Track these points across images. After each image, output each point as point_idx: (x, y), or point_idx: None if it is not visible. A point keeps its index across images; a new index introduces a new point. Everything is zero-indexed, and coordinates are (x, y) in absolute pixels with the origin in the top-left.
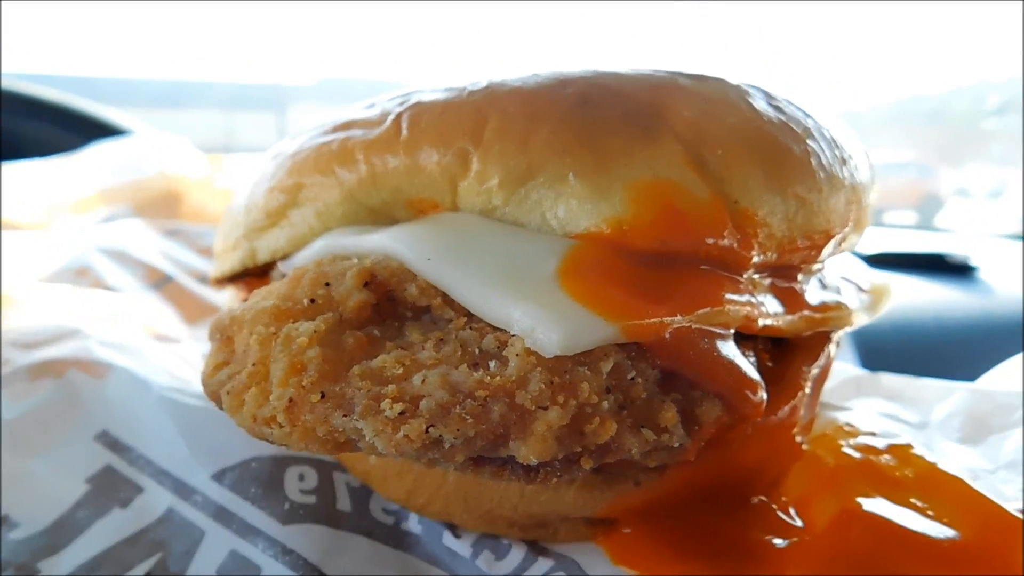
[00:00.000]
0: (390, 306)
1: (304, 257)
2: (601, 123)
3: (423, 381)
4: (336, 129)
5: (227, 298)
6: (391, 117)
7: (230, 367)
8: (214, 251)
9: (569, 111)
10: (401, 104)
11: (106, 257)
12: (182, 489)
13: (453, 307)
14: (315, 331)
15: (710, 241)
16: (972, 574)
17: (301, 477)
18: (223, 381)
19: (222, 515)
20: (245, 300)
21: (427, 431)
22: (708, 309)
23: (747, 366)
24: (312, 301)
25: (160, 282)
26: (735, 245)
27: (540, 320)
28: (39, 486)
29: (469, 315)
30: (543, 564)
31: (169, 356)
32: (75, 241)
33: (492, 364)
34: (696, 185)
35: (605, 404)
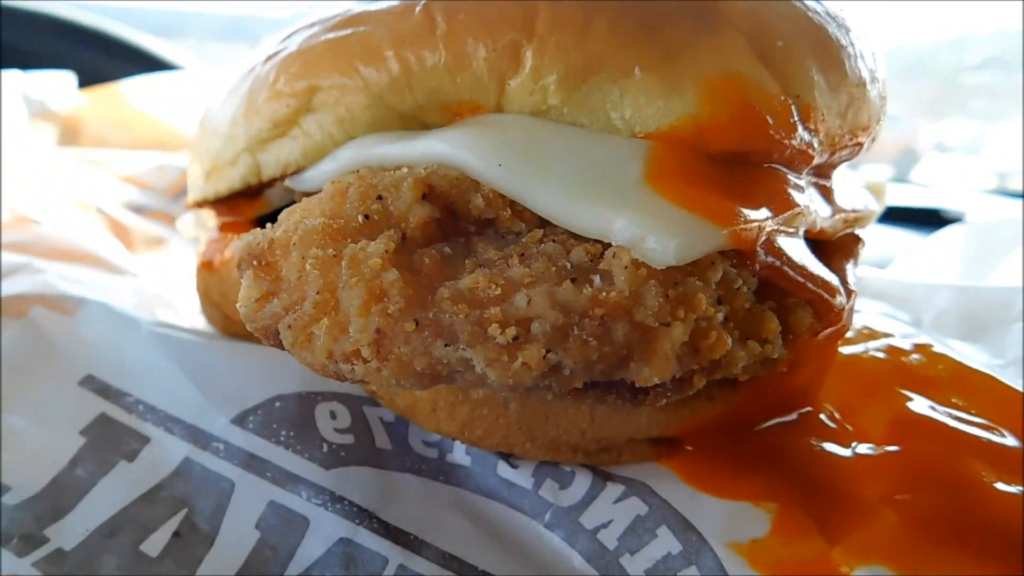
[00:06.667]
0: (451, 221)
1: (327, 171)
2: (659, 12)
3: (528, 302)
4: (347, 23)
5: (185, 224)
6: (418, 8)
7: (281, 298)
8: (192, 172)
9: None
10: None
11: (33, 189)
12: (198, 437)
13: (523, 218)
14: (386, 251)
15: (784, 140)
16: None
17: (333, 415)
18: (278, 314)
19: (252, 463)
20: (224, 225)
21: (545, 356)
22: (793, 211)
23: (826, 270)
24: (367, 218)
25: (92, 214)
26: (803, 144)
27: (649, 229)
28: (24, 442)
29: (543, 226)
30: (613, 489)
31: (130, 290)
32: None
33: (596, 279)
34: (766, 80)
35: (720, 317)
